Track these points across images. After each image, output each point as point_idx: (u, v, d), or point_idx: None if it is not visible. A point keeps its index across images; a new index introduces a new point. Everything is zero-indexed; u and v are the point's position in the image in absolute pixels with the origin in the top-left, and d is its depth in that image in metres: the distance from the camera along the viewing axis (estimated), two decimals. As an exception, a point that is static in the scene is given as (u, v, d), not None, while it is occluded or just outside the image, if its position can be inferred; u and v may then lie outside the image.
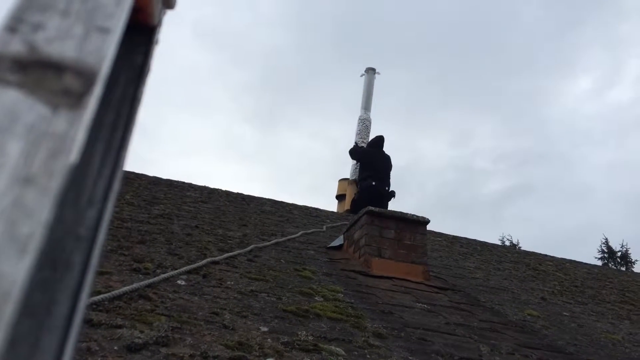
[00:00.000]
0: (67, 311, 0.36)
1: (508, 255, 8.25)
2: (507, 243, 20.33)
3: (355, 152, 9.49)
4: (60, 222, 0.37)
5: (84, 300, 0.38)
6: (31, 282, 0.26)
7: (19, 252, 0.21)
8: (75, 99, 0.29)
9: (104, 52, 0.33)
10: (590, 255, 23.17)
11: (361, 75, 12.56)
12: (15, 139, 0.25)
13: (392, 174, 9.10)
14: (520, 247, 18.46)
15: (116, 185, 0.43)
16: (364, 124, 11.38)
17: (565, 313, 5.00)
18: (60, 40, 0.32)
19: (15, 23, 0.31)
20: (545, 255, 8.90)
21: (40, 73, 0.29)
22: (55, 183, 0.24)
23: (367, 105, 11.95)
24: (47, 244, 0.28)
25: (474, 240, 8.76)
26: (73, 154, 0.26)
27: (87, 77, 0.30)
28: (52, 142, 0.26)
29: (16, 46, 0.30)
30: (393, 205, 8.74)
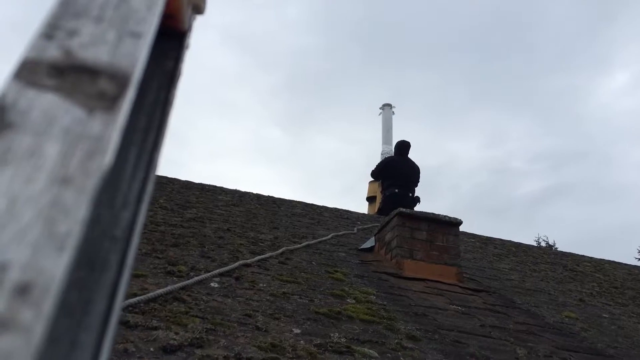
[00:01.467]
0: (104, 310, 0.37)
1: (544, 257, 8.07)
2: (543, 244, 19.89)
3: (374, 172, 9.43)
4: (97, 224, 0.38)
5: (120, 299, 0.39)
6: (69, 282, 0.26)
7: (58, 250, 0.22)
8: (110, 102, 0.29)
9: (137, 56, 0.34)
10: (630, 255, 22.47)
11: (379, 114, 13.07)
12: (52, 141, 0.26)
13: (423, 176, 9.02)
14: (556, 248, 18.04)
15: (150, 188, 0.44)
16: None
17: (604, 315, 4.86)
18: (94, 45, 0.33)
19: (51, 30, 0.32)
20: (583, 255, 8.68)
21: (76, 77, 0.30)
22: (91, 183, 0.25)
23: (387, 140, 12.35)
24: (84, 245, 0.28)
25: (509, 241, 8.60)
26: (108, 155, 0.27)
27: (120, 81, 0.31)
28: (88, 143, 0.27)
29: (52, 52, 0.31)
30: (425, 207, 8.67)
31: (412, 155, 9.22)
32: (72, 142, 0.27)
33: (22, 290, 0.21)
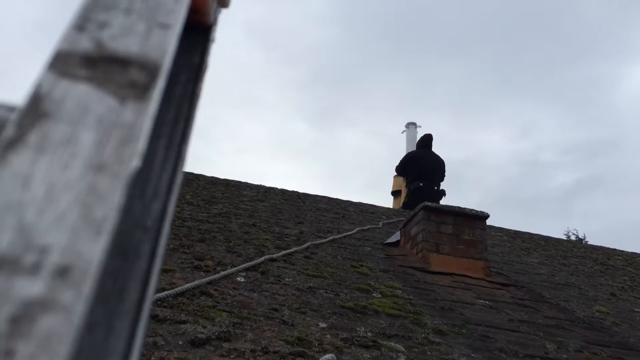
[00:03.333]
0: (138, 298, 0.37)
1: (574, 250, 7.93)
2: (573, 237, 19.52)
3: (398, 168, 9.35)
4: (129, 214, 0.39)
5: (152, 288, 0.39)
6: (105, 269, 0.27)
7: (95, 234, 0.23)
8: (141, 91, 0.30)
9: (166, 47, 0.34)
10: (663, 249, 21.87)
11: (402, 132, 12.99)
12: (87, 130, 0.27)
13: (451, 169, 8.94)
14: (586, 241, 17.68)
15: (179, 179, 0.45)
16: None
17: (636, 309, 4.76)
18: (124, 36, 0.33)
19: (82, 22, 0.33)
20: (614, 249, 8.49)
21: (108, 68, 0.31)
22: (125, 169, 0.26)
23: None
24: (118, 234, 0.29)
25: (537, 235, 8.47)
26: (141, 143, 0.27)
27: (151, 71, 0.32)
28: (121, 131, 0.27)
29: (84, 43, 0.32)
30: (453, 201, 8.59)
31: (438, 148, 9.15)
32: (105, 130, 0.27)
33: (62, 273, 0.21)
